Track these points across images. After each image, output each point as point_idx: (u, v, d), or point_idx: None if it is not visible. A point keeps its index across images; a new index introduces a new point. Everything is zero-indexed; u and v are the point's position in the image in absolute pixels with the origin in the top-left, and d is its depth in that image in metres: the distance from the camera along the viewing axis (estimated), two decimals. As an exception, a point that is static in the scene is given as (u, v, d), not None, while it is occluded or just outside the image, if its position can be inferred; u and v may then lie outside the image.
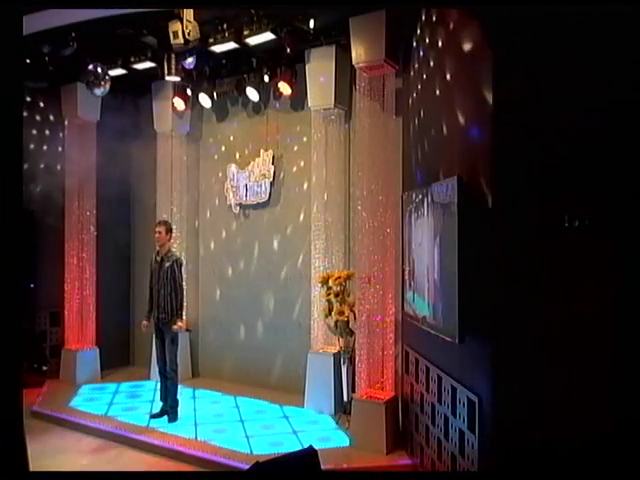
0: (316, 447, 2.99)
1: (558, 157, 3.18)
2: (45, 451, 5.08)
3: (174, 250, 6.38)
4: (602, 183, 3.13)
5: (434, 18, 4.44)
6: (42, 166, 7.58)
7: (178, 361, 6.02)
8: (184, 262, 6.33)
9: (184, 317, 6.14)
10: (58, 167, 7.61)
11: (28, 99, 7.53)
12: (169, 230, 6.07)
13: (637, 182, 3.09)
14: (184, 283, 6.11)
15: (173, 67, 6.27)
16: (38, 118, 7.69)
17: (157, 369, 6.19)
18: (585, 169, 3.15)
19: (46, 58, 6.34)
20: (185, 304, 6.20)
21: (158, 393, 6.21)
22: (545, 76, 3.18)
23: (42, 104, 7.69)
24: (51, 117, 7.73)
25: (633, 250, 3.08)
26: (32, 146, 7.62)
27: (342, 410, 5.84)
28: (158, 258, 5.99)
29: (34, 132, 7.66)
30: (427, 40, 4.64)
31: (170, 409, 5.89)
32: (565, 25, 3.16)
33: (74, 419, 5.97)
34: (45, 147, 7.68)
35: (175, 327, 5.85)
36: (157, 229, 6.04)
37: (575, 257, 3.15)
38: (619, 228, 3.11)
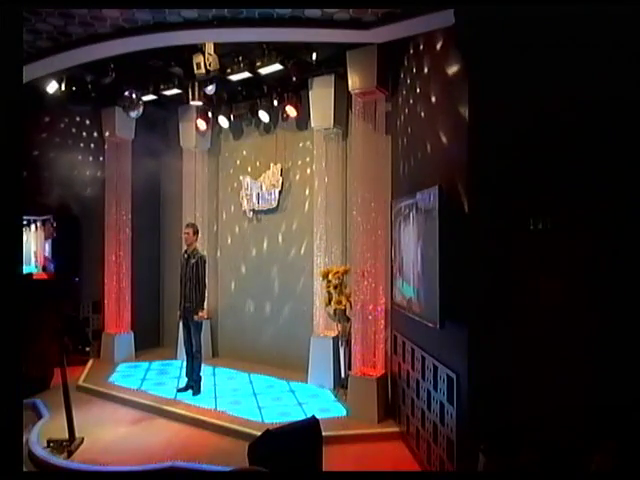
0: (318, 417, 2.99)
1: (524, 169, 3.18)
2: (88, 420, 5.07)
3: (199, 249, 6.37)
4: (563, 191, 3.13)
5: (419, 49, 4.44)
6: (86, 177, 7.58)
7: (202, 343, 6.02)
8: (207, 259, 6.32)
9: (205, 307, 6.11)
10: (99, 178, 7.62)
11: (75, 120, 7.59)
12: (196, 231, 6.09)
13: (591, 186, 3.09)
14: (207, 278, 6.10)
15: (196, 93, 6.30)
16: (83, 136, 7.70)
17: (184, 350, 6.18)
18: (548, 180, 3.15)
19: (89, 86, 6.38)
20: (207, 295, 6.18)
21: (184, 370, 6.19)
22: (514, 100, 3.18)
23: (86, 124, 7.69)
24: (94, 135, 7.73)
25: (587, 245, 3.08)
26: (79, 159, 7.64)
27: (340, 385, 5.82)
28: (186, 255, 5.99)
29: (80, 148, 7.67)
30: (413, 69, 4.64)
31: (194, 384, 5.89)
32: (533, 53, 3.16)
33: (112, 392, 5.97)
34: (89, 160, 7.69)
35: (196, 317, 5.85)
36: (186, 230, 6.06)
37: (539, 254, 3.15)
38: (576, 229, 3.11)
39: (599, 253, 3.07)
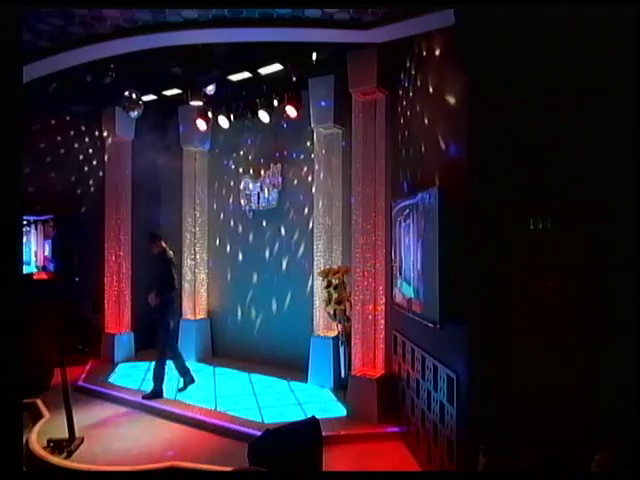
0: (318, 417, 2.99)
1: (524, 169, 3.18)
2: (87, 420, 5.08)
3: (158, 249, 6.11)
4: (563, 191, 3.13)
5: (419, 49, 4.43)
6: (86, 177, 7.60)
7: (165, 339, 5.84)
8: (205, 258, 6.21)
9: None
10: (99, 178, 7.63)
11: (75, 120, 7.60)
12: (153, 240, 6.04)
13: (591, 186, 3.09)
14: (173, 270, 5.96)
15: (197, 93, 6.30)
16: (83, 136, 7.72)
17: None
18: (548, 180, 3.15)
19: (89, 86, 6.37)
20: (206, 295, 6.08)
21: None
22: (514, 100, 3.18)
23: (86, 125, 7.71)
24: (94, 135, 7.75)
25: (587, 245, 3.08)
26: (79, 160, 7.65)
27: (340, 385, 5.83)
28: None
29: (80, 148, 7.68)
30: (413, 69, 4.63)
31: (155, 382, 5.69)
32: (533, 53, 3.17)
33: (112, 392, 5.97)
34: (89, 161, 7.71)
35: (149, 299, 5.71)
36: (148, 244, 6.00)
37: (539, 254, 3.15)
38: (576, 229, 3.11)
39: (599, 253, 3.07)
